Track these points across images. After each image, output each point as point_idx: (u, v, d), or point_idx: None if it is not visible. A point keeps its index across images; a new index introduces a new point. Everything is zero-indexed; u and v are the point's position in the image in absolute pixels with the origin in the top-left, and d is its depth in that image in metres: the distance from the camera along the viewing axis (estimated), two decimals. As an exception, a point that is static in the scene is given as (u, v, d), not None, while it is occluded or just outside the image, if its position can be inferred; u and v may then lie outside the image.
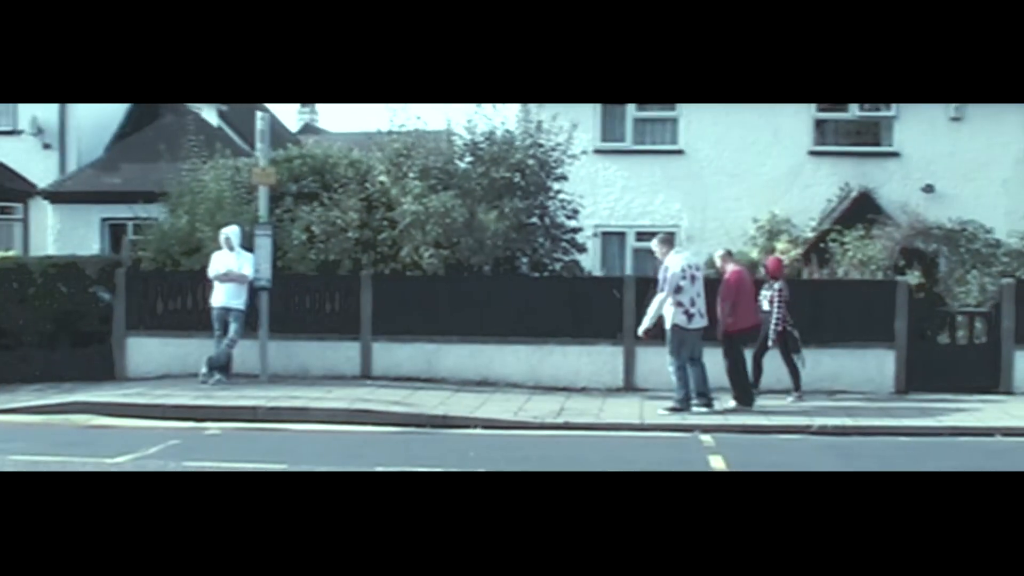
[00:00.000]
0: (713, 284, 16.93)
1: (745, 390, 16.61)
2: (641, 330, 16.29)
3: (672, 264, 16.03)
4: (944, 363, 18.41)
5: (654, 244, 16.86)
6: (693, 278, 16.05)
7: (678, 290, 15.89)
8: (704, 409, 16.03)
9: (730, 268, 17.01)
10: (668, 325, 16.06)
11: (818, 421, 15.35)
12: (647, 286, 17.78)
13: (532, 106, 20.49)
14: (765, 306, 17.22)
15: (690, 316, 15.97)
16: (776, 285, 17.23)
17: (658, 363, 17.41)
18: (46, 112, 27.89)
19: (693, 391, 16.14)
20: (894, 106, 25.40)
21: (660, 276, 16.12)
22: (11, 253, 23.46)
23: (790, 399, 17.21)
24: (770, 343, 17.16)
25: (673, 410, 15.99)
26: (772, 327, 17.03)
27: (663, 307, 15.97)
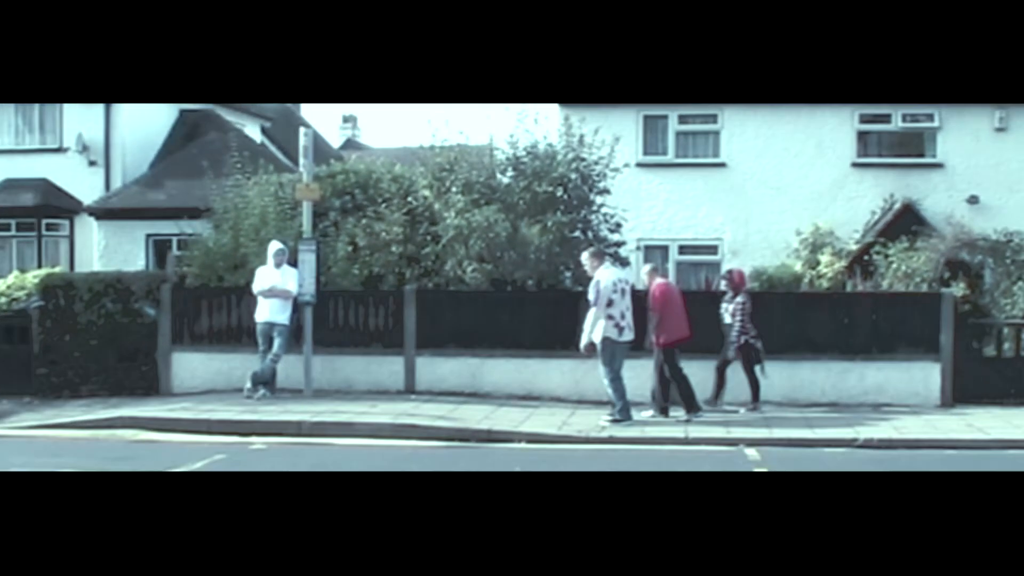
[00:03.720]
0: (642, 300, 17.24)
1: (665, 402, 16.95)
2: (582, 345, 16.65)
3: (603, 278, 16.48)
4: (990, 375, 18.28)
5: (584, 258, 17.20)
6: (623, 292, 16.57)
7: (609, 303, 16.33)
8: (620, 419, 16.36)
9: (657, 282, 17.26)
10: (599, 338, 16.36)
11: (864, 434, 15.29)
12: (691, 300, 17.92)
13: (574, 119, 20.44)
14: (727, 319, 17.64)
15: (620, 329, 16.45)
16: (739, 299, 17.59)
17: (702, 376, 17.44)
18: (91, 129, 28.05)
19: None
20: (937, 117, 25.28)
21: (592, 290, 16.49)
22: (58, 269, 23.64)
23: (743, 411, 17.48)
24: (730, 355, 17.54)
25: (615, 421, 16.29)
26: (732, 340, 17.43)
27: (598, 321, 16.35)
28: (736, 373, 17.67)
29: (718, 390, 17.67)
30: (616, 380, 16.40)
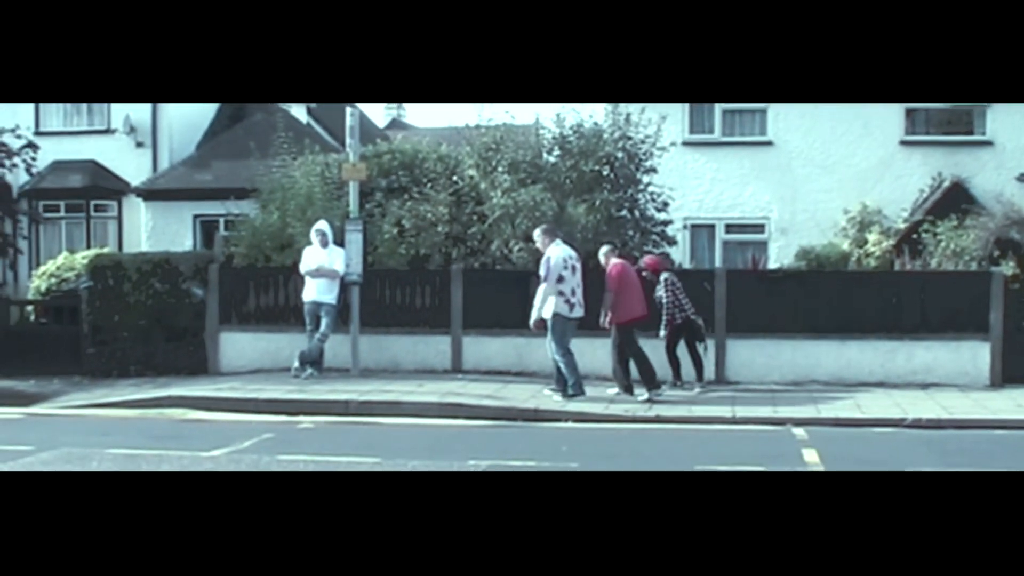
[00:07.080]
0: (598, 279, 17.24)
1: (627, 380, 16.98)
2: (531, 322, 16.84)
3: (553, 254, 16.64)
4: (1041, 355, 18.13)
5: (536, 234, 17.29)
6: (574, 268, 16.72)
7: (560, 280, 16.52)
8: (561, 398, 16.50)
9: (613, 262, 17.19)
10: (549, 314, 16.55)
11: (912, 414, 15.19)
12: (738, 279, 17.94)
13: (620, 98, 20.40)
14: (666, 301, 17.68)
15: (571, 306, 16.64)
16: (663, 278, 17.57)
17: (747, 356, 17.52)
18: (139, 111, 28.23)
19: (555, 380, 16.78)
20: (987, 94, 24.98)
21: (543, 267, 16.64)
22: (106, 250, 23.81)
23: (696, 390, 17.45)
24: (661, 333, 17.49)
25: (570, 396, 16.41)
26: (665, 319, 17.44)
27: (548, 297, 16.51)
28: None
29: (676, 370, 17.68)
30: (567, 355, 16.58)
